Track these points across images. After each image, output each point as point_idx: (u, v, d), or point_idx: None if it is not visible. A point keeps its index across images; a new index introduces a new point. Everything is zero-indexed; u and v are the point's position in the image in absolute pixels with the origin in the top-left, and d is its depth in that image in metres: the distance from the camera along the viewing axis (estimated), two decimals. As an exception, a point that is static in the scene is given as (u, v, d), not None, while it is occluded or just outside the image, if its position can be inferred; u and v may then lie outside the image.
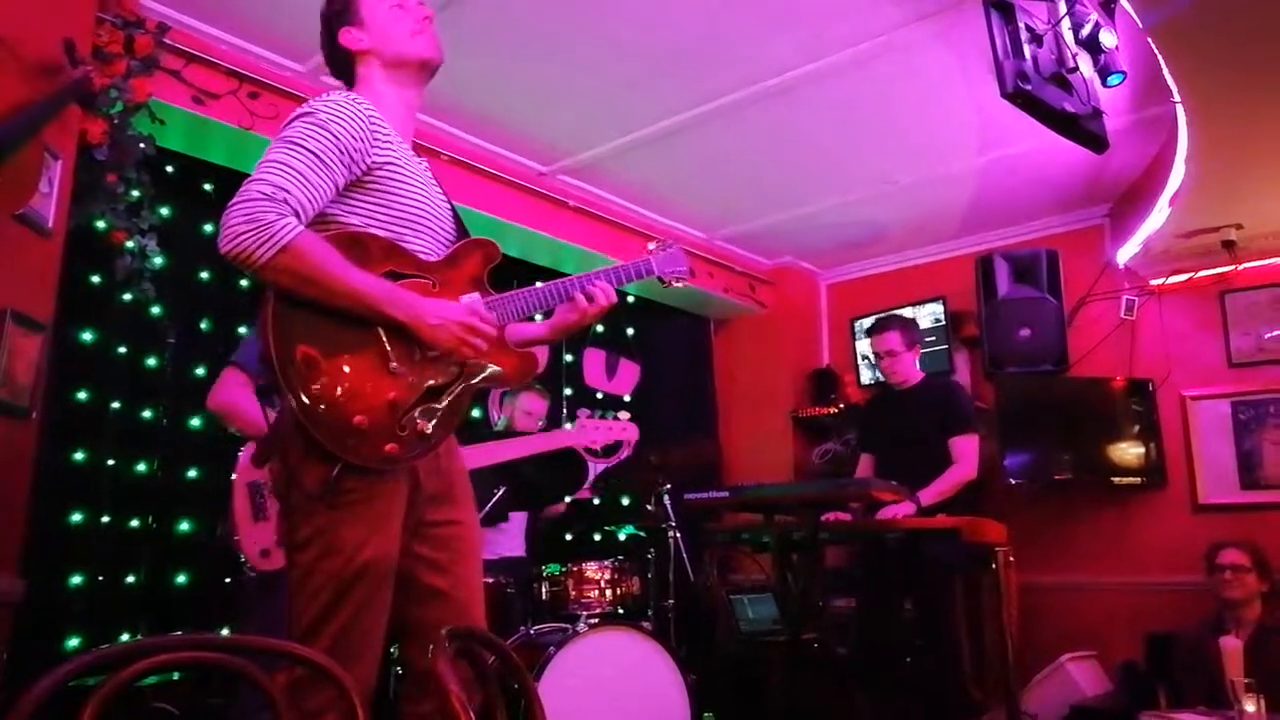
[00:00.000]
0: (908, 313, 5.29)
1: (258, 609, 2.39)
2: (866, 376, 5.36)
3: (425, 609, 1.75)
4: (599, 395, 5.26)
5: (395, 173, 1.73)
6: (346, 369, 1.61)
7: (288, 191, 1.55)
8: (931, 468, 3.64)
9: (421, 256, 1.75)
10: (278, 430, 1.66)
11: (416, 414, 1.66)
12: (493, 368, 1.81)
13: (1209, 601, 3.59)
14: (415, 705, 1.76)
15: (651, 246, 2.06)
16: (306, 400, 1.55)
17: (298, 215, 1.56)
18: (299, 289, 1.56)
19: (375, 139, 1.70)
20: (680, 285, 2.08)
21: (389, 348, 1.65)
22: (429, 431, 1.68)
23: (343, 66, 1.88)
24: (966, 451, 3.75)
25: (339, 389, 1.59)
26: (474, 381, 1.78)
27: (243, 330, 3.52)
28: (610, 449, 3.31)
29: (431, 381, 1.70)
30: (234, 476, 2.45)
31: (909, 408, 3.90)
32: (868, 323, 5.49)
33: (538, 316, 1.99)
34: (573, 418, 3.36)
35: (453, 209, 1.91)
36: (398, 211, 1.73)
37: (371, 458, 1.60)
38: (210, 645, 1.18)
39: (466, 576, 1.81)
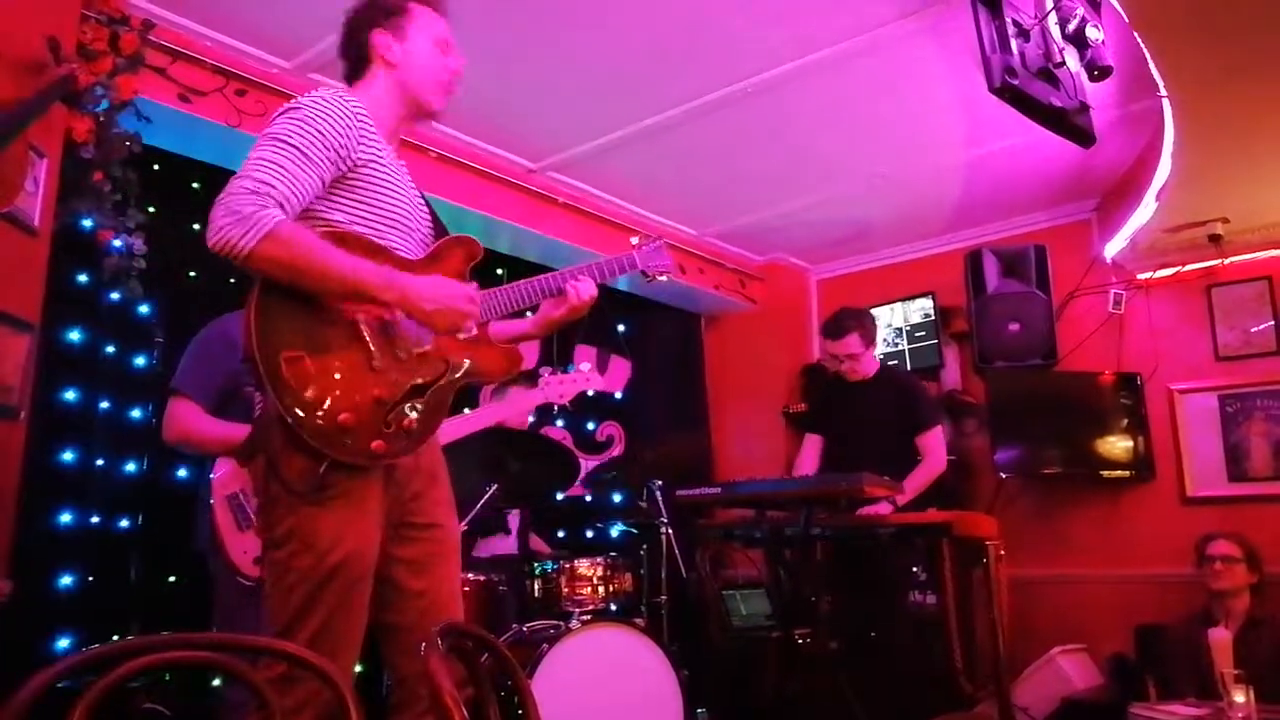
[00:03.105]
0: (897, 308, 5.32)
1: (238, 617, 2.34)
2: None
3: (405, 612, 1.74)
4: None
5: (378, 171, 1.74)
6: (331, 367, 1.61)
7: (271, 186, 1.56)
8: (889, 455, 3.64)
9: (400, 255, 1.76)
10: (260, 426, 1.66)
11: (402, 411, 1.66)
12: (475, 364, 1.82)
13: (1198, 594, 3.62)
14: (411, 715, 1.72)
15: (635, 241, 2.07)
16: (290, 398, 1.55)
17: (282, 207, 1.56)
18: (289, 278, 1.56)
19: (362, 137, 1.71)
20: (664, 279, 2.08)
21: (372, 346, 1.66)
22: (414, 428, 1.68)
23: (358, 59, 1.86)
24: (935, 446, 3.78)
25: (324, 386, 1.58)
26: (457, 377, 1.79)
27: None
28: (577, 399, 3.30)
29: (417, 380, 1.70)
30: (211, 500, 2.39)
31: (868, 396, 3.88)
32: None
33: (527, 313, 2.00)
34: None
35: (430, 209, 1.92)
36: (378, 209, 1.75)
37: (359, 454, 1.60)
38: (199, 644, 1.18)
39: (445, 577, 1.80)
